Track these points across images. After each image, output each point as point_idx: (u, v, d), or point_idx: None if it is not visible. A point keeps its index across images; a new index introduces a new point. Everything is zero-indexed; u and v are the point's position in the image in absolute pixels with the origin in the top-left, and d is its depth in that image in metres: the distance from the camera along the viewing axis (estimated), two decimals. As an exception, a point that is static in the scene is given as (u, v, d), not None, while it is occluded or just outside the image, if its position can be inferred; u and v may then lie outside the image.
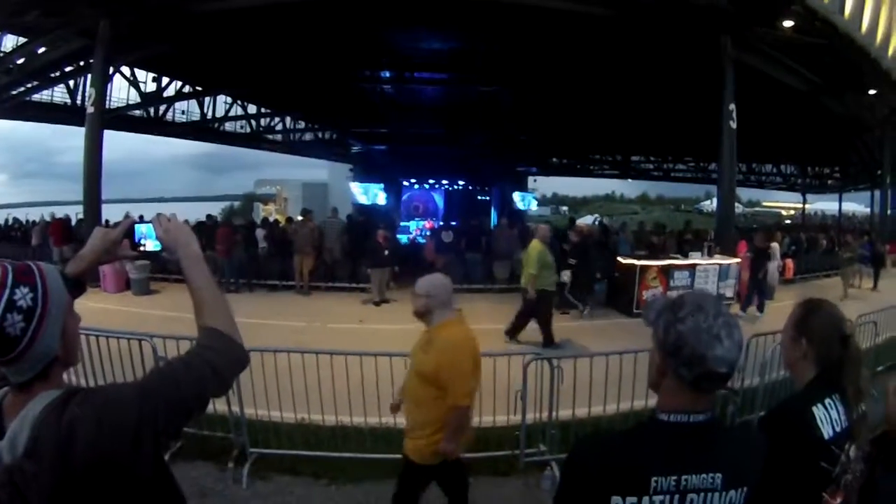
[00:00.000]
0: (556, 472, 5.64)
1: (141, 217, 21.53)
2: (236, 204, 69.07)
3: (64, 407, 1.47)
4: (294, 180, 51.16)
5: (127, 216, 22.17)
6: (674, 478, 1.66)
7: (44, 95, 24.55)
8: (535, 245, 10.87)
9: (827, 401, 2.17)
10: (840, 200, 44.24)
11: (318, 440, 6.11)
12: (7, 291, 1.47)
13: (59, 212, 25.16)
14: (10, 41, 20.57)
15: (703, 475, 1.68)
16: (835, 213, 46.99)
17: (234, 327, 1.78)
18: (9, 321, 1.46)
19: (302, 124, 36.86)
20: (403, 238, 23.54)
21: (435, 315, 4.19)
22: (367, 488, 5.61)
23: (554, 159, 44.22)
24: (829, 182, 43.48)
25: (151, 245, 2.04)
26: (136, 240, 2.07)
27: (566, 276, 13.08)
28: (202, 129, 32.01)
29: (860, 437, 2.21)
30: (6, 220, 26.47)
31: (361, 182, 31.32)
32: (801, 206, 49.27)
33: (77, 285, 1.82)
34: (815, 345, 2.28)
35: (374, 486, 5.61)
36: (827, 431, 2.11)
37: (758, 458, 1.79)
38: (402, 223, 28.36)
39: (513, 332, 10.88)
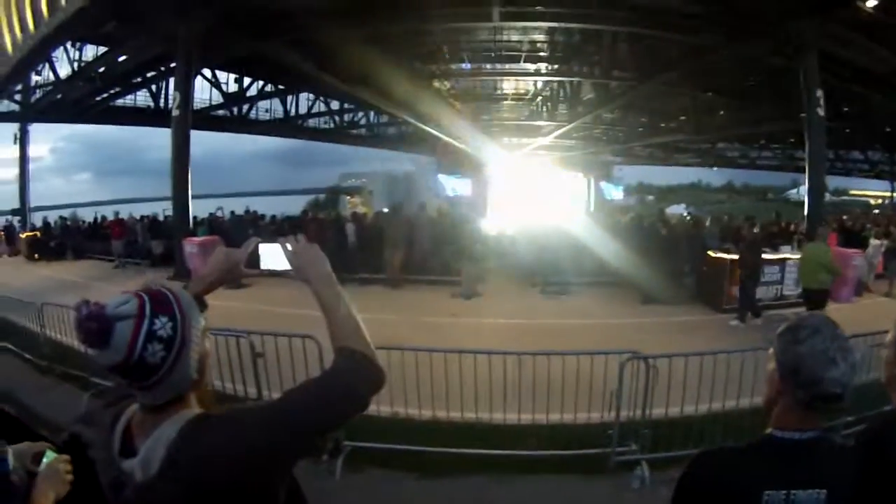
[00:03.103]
0: (646, 471, 5.60)
1: (232, 213, 22.33)
2: (321, 197, 69.83)
3: (200, 430, 1.51)
4: (379, 173, 51.52)
5: (212, 212, 22.94)
6: (783, 493, 1.71)
7: (127, 100, 25.35)
8: (820, 248, 11.30)
9: None
10: None
11: (411, 434, 6.15)
12: (147, 322, 1.49)
13: (146, 208, 26.08)
14: (91, 50, 21.27)
15: (811, 491, 1.71)
16: None
17: (368, 346, 1.78)
18: (149, 351, 1.48)
19: (385, 118, 37.07)
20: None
21: None
22: (457, 483, 5.65)
23: (639, 147, 43.57)
24: None
25: (274, 263, 2.03)
26: (259, 255, 2.07)
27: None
28: (286, 126, 32.56)
29: None
30: (95, 218, 27.12)
31: (446, 174, 31.40)
32: (889, 194, 47.40)
33: (200, 304, 1.82)
34: None
35: (463, 480, 5.67)
36: None
37: (858, 474, 1.80)
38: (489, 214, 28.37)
39: None
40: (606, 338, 9.75)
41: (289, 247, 1.93)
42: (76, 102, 23.14)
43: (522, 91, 29.72)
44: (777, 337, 1.80)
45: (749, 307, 12.30)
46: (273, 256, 1.99)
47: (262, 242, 2.06)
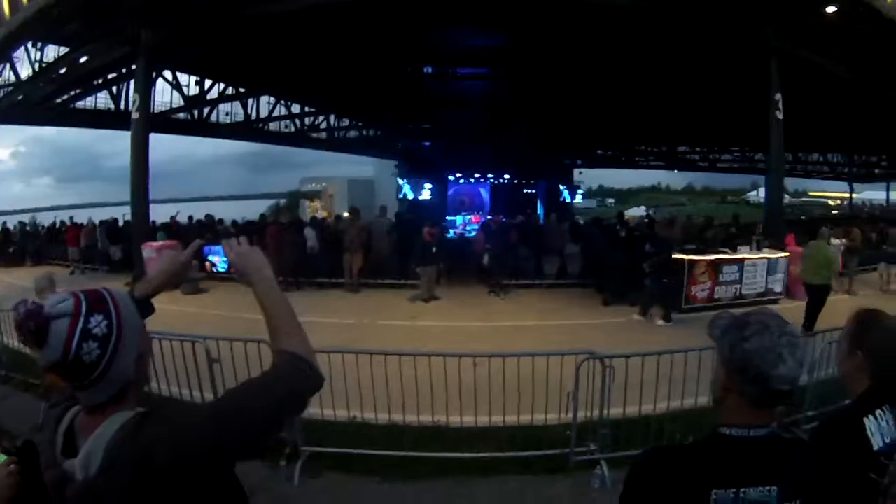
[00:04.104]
0: (606, 470, 5.64)
1: (190, 217, 22.17)
2: (282, 201, 69.59)
3: (138, 428, 1.50)
4: (339, 177, 51.35)
5: (171, 215, 22.77)
6: (732, 491, 1.70)
7: (87, 102, 24.99)
8: (824, 246, 12.04)
9: (878, 412, 2.17)
10: (888, 189, 43.30)
11: (370, 438, 6.13)
12: (82, 320, 1.51)
13: (107, 213, 25.79)
14: (52, 51, 20.98)
15: (761, 488, 1.71)
16: (882, 203, 45.92)
17: (309, 350, 1.77)
18: (85, 349, 1.49)
19: (346, 122, 37.01)
20: (451, 233, 23.50)
21: None
22: (419, 486, 5.63)
23: (599, 151, 43.94)
24: (877, 171, 42.62)
25: (220, 263, 2.07)
26: (204, 256, 2.10)
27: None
28: (246, 130, 32.25)
29: None
30: (53, 223, 26.78)
31: (407, 178, 31.41)
32: (847, 195, 48.33)
33: (146, 307, 1.88)
34: (870, 358, 2.27)
35: (425, 484, 5.65)
36: (877, 442, 2.11)
37: (811, 470, 1.81)
38: (448, 218, 28.40)
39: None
40: (565, 339, 9.82)
41: (231, 249, 1.94)
42: (37, 104, 22.78)
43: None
44: (722, 334, 1.81)
45: (654, 303, 12.64)
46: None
47: (206, 245, 2.08)
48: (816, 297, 11.35)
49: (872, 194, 55.58)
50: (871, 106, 21.44)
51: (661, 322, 12.29)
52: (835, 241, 15.86)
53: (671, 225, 15.72)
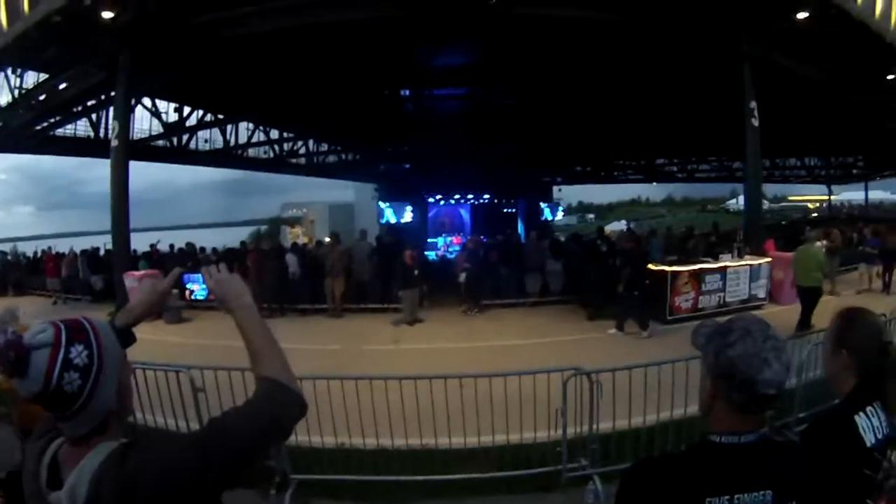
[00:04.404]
0: (599, 485, 5.61)
1: (171, 245, 22.08)
2: (263, 228, 69.49)
3: (123, 460, 1.48)
4: (320, 202, 51.42)
5: (152, 244, 22.65)
6: (727, 497, 1.70)
7: (67, 129, 24.87)
8: (813, 249, 12.54)
9: (869, 409, 2.20)
10: (866, 189, 43.74)
11: (358, 464, 6.08)
12: (62, 350, 1.49)
13: (88, 241, 25.59)
14: (32, 77, 20.90)
15: (755, 493, 1.71)
16: (861, 203, 46.37)
17: (291, 376, 1.77)
18: (66, 380, 1.48)
19: (325, 146, 37.06)
20: (432, 255, 23.49)
21: None
22: (409, 511, 5.57)
23: (578, 168, 44.18)
24: (854, 171, 43.06)
25: (199, 291, 2.07)
26: (184, 284, 2.11)
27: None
28: (225, 157, 32.21)
29: None
30: (35, 253, 26.66)
31: (387, 201, 31.46)
32: (826, 197, 48.73)
33: (128, 336, 1.87)
34: (855, 355, 2.29)
35: (415, 508, 5.59)
36: (870, 439, 2.14)
37: (804, 472, 1.81)
38: (429, 240, 28.44)
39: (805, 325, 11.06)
40: (550, 356, 9.81)
41: (211, 276, 1.93)
42: (17, 131, 22.64)
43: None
44: (707, 342, 1.81)
45: (628, 316, 12.73)
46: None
47: (186, 273, 2.08)
48: (809, 299, 11.65)
49: (851, 195, 56.07)
50: (845, 108, 21.74)
51: (644, 334, 12.35)
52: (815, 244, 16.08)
53: (632, 238, 15.77)
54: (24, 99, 21.00)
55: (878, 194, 47.43)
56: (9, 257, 25.74)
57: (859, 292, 15.84)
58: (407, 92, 22.88)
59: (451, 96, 23.51)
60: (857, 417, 2.16)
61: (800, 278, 12.20)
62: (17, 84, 21.14)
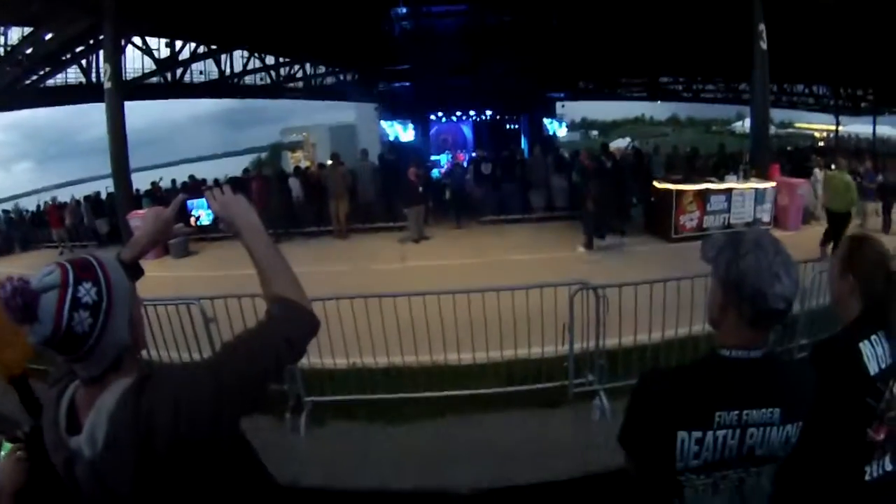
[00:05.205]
0: (605, 401, 5.71)
1: (173, 181, 21.98)
2: (264, 155, 68.75)
3: (139, 395, 1.48)
4: (320, 125, 50.60)
5: (153, 181, 22.55)
6: (735, 412, 1.71)
7: (58, 79, 24.44)
8: (845, 175, 12.38)
9: (873, 337, 2.18)
10: (874, 123, 42.90)
11: (371, 383, 6.15)
12: (70, 290, 1.47)
13: (90, 188, 25.42)
14: (17, 33, 20.46)
15: (763, 410, 1.72)
16: (869, 137, 45.48)
17: (302, 294, 1.76)
18: (76, 319, 1.46)
19: (323, 68, 36.42)
20: (435, 172, 23.34)
21: None
22: (422, 427, 5.71)
23: (581, 84, 43.36)
24: (863, 104, 42.04)
25: (205, 216, 2.03)
26: (189, 212, 2.06)
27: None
28: (222, 87, 31.66)
29: None
30: (37, 206, 26.17)
31: (388, 120, 31.10)
32: (834, 128, 47.83)
33: (135, 270, 1.84)
34: (861, 281, 2.28)
35: (428, 424, 5.74)
36: (873, 367, 2.13)
37: (810, 392, 1.82)
38: (432, 157, 28.24)
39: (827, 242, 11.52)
40: (557, 271, 9.83)
41: (215, 199, 1.91)
42: (6, 88, 22.27)
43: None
44: (717, 253, 1.80)
45: (592, 231, 12.99)
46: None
47: (189, 199, 2.05)
48: (838, 222, 11.78)
49: (859, 128, 54.97)
50: (856, 37, 21.16)
51: (580, 249, 12.80)
52: (817, 172, 15.97)
53: (591, 157, 15.70)
54: (10, 55, 20.62)
55: (885, 129, 46.39)
56: (12, 215, 25.63)
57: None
58: (404, 10, 22.40)
59: (450, 13, 23.03)
60: (861, 345, 2.15)
61: (832, 203, 12.24)
62: (2, 42, 20.74)
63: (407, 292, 6.05)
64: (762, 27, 15.45)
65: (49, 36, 19.03)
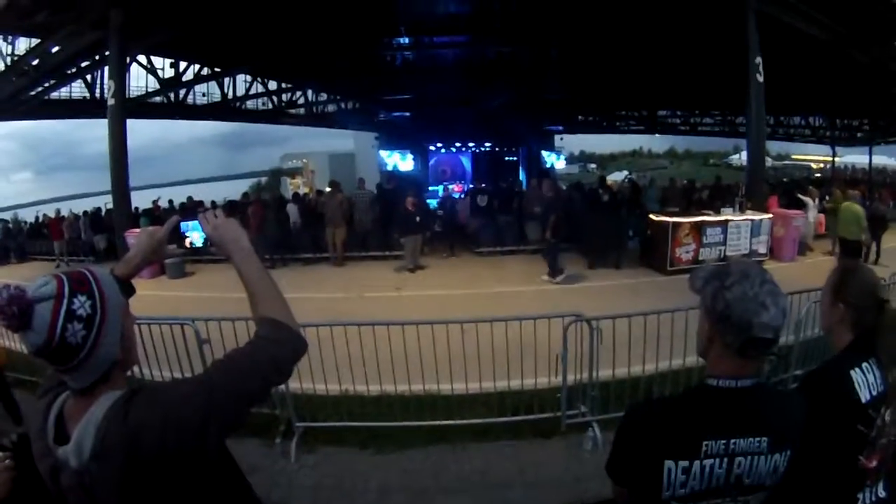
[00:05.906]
0: (598, 432, 5.72)
1: (170, 201, 22.04)
2: (263, 180, 69.04)
3: (127, 408, 1.50)
4: (320, 152, 50.78)
5: (153, 200, 22.64)
6: (723, 441, 1.71)
7: (62, 92, 24.56)
8: (855, 206, 13.17)
9: (864, 365, 2.19)
10: (870, 153, 43.24)
11: (362, 410, 6.15)
12: (65, 301, 1.49)
13: (89, 203, 25.50)
14: (24, 43, 20.60)
15: (751, 439, 1.72)
16: (865, 167, 45.80)
17: (290, 316, 1.78)
18: (70, 331, 1.48)
19: (324, 96, 36.54)
20: (433, 202, 23.45)
21: None
22: (412, 455, 5.69)
23: (580, 117, 43.65)
24: (859, 135, 42.32)
25: (198, 238, 2.07)
26: (182, 233, 2.10)
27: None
28: (224, 110, 31.85)
29: None
30: (36, 217, 26.54)
31: (387, 149, 31.25)
32: (830, 158, 48.16)
33: (127, 287, 1.86)
34: (851, 310, 2.29)
35: (418, 452, 5.72)
36: (864, 395, 2.13)
37: (799, 421, 1.83)
38: (430, 188, 28.33)
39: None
40: (551, 303, 9.84)
41: (208, 222, 1.94)
42: (10, 98, 22.37)
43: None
44: (704, 284, 1.82)
45: (553, 261, 13.03)
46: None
47: (183, 221, 2.07)
48: (851, 251, 12.42)
49: (855, 158, 55.42)
50: (851, 69, 21.36)
51: (545, 278, 12.82)
52: (807, 201, 16.13)
53: (552, 188, 15.78)
54: (16, 65, 20.75)
55: (881, 160, 46.87)
56: (10, 225, 25.67)
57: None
58: (406, 40, 22.57)
59: (451, 44, 23.20)
60: (852, 373, 2.16)
61: (843, 231, 13.14)
62: (10, 51, 20.87)
63: (401, 321, 6.06)
64: (759, 60, 15.61)
65: (56, 49, 19.12)
